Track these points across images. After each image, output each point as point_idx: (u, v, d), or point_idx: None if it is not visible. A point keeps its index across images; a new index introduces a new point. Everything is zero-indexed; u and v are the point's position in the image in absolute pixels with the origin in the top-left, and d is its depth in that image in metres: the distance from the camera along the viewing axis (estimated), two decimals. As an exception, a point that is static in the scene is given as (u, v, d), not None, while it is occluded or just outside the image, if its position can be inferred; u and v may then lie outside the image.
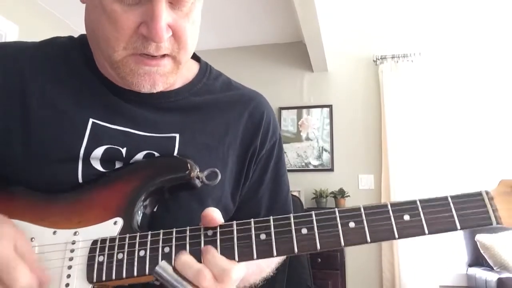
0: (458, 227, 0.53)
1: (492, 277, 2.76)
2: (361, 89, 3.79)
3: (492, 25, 3.57)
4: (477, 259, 3.13)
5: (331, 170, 3.69)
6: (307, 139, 3.80)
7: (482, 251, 3.03)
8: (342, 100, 3.81)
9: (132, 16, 0.58)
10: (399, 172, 3.43)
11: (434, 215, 0.53)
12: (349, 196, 3.51)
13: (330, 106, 3.81)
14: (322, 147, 3.75)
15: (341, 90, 3.83)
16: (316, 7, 2.81)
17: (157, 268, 0.53)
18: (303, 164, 3.75)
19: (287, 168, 3.41)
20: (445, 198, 0.54)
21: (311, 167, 3.74)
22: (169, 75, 0.64)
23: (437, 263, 3.30)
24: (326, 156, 3.73)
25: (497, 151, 3.44)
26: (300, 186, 3.66)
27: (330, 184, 3.59)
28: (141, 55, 0.60)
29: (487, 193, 0.54)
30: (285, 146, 3.78)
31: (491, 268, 2.98)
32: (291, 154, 3.78)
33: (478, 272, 3.02)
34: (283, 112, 3.89)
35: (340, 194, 3.48)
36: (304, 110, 3.86)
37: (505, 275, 2.71)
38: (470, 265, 3.21)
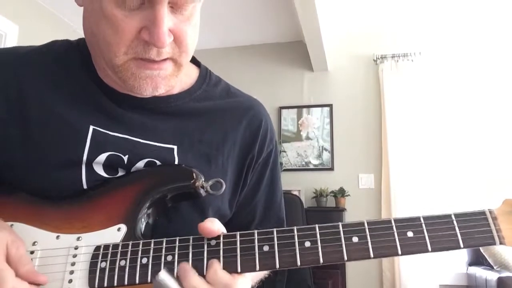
0: (462, 245, 0.53)
1: (492, 276, 2.76)
2: (361, 89, 3.79)
3: (492, 24, 3.56)
4: (477, 258, 3.13)
5: (331, 169, 3.69)
6: (307, 138, 3.80)
7: (482, 250, 3.03)
8: (342, 99, 3.80)
9: (133, 21, 0.57)
10: (399, 171, 3.43)
11: (437, 233, 0.54)
12: (349, 195, 3.51)
13: (330, 106, 3.81)
14: (322, 146, 3.75)
15: (341, 90, 3.83)
16: (316, 7, 2.81)
17: (156, 278, 0.52)
18: (303, 163, 3.75)
19: (288, 168, 3.41)
20: (449, 216, 0.55)
21: (311, 166, 3.74)
22: (170, 78, 0.64)
23: (437, 262, 3.30)
24: (326, 155, 3.73)
25: (498, 148, 3.44)
26: (300, 185, 3.66)
27: (330, 183, 3.59)
28: (142, 59, 0.60)
29: (490, 212, 0.54)
30: (285, 145, 3.78)
31: (491, 267, 2.98)
32: (291, 153, 3.78)
33: (478, 271, 3.02)
34: (283, 111, 3.89)
35: (340, 193, 3.48)
36: (304, 110, 3.86)
37: (505, 274, 2.71)
38: (470, 264, 3.21)
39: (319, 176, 3.68)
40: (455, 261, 3.37)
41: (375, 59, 3.74)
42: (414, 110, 3.52)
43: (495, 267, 2.95)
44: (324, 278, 3.10)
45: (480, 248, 3.04)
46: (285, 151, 3.77)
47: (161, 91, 0.64)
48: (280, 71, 4.00)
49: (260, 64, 4.06)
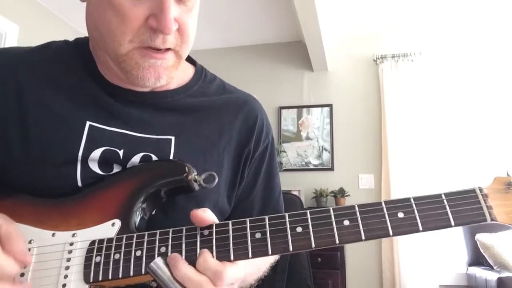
0: (453, 223, 0.54)
1: (492, 276, 2.76)
2: (361, 89, 3.79)
3: (492, 24, 3.57)
4: (477, 259, 3.13)
5: (331, 169, 3.69)
6: (307, 138, 3.80)
7: (482, 251, 3.03)
8: (342, 99, 3.80)
9: (141, 9, 0.60)
10: (399, 171, 3.43)
11: (428, 212, 0.54)
12: (349, 195, 3.51)
13: (330, 106, 3.81)
14: (322, 146, 3.75)
15: (341, 90, 3.83)
16: (316, 7, 2.81)
17: (152, 264, 0.53)
18: (303, 163, 3.75)
19: (287, 168, 3.40)
20: (439, 195, 0.55)
21: (311, 167, 3.74)
22: (171, 69, 0.66)
23: (437, 262, 3.30)
24: (326, 155, 3.73)
25: (498, 149, 3.44)
26: (300, 185, 3.66)
27: (330, 184, 3.59)
28: (146, 48, 0.62)
29: (480, 190, 0.55)
30: (285, 145, 3.78)
31: (491, 268, 2.98)
32: (291, 153, 3.78)
33: (478, 272, 3.02)
34: (283, 111, 3.89)
35: (340, 193, 3.48)
36: (304, 110, 3.86)
37: (505, 274, 2.71)
38: (470, 265, 3.21)
39: (319, 176, 3.68)
40: (455, 261, 3.37)
41: (375, 59, 3.75)
42: (414, 110, 3.52)
43: (495, 267, 2.95)
44: (324, 278, 3.10)
45: (480, 248, 3.04)
46: (285, 151, 3.76)
47: (163, 81, 0.66)
48: (280, 71, 4.00)
49: (260, 64, 4.06)
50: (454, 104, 3.58)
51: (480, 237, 3.04)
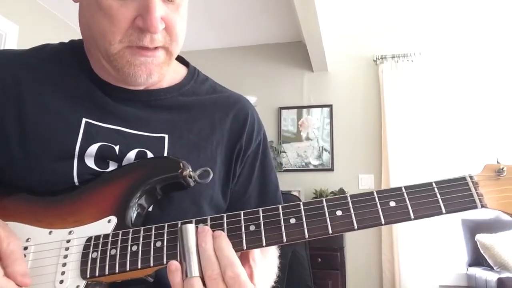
0: (444, 211, 0.54)
1: (492, 277, 2.76)
2: (361, 89, 3.79)
3: (492, 25, 3.57)
4: (477, 259, 3.13)
5: (331, 170, 3.69)
6: (307, 139, 3.80)
7: (482, 251, 3.03)
8: (342, 100, 3.80)
9: (128, 10, 0.61)
10: (399, 171, 3.43)
11: (419, 201, 0.55)
12: (349, 195, 3.50)
13: (330, 106, 3.81)
14: (322, 147, 3.75)
15: (341, 90, 3.83)
16: (316, 7, 2.81)
17: (185, 226, 0.54)
18: (303, 164, 3.75)
19: (287, 168, 3.40)
20: (430, 184, 0.57)
21: (311, 167, 3.74)
22: (163, 66, 0.67)
23: (437, 263, 3.30)
24: (326, 156, 3.73)
25: (498, 149, 3.43)
26: (300, 186, 3.66)
27: (330, 184, 3.59)
28: (136, 47, 0.64)
29: (471, 177, 0.56)
30: (285, 145, 3.78)
31: (491, 268, 2.98)
32: (291, 153, 3.78)
33: (478, 272, 3.02)
34: (283, 111, 3.89)
35: (340, 193, 3.48)
36: (304, 110, 3.86)
37: (505, 275, 2.71)
38: (470, 265, 3.21)
39: (319, 177, 3.68)
40: (455, 262, 3.36)
41: (375, 59, 3.75)
42: (414, 111, 3.52)
43: (495, 268, 2.95)
44: (324, 278, 3.09)
45: (480, 248, 3.04)
46: (285, 152, 3.76)
47: (155, 78, 0.67)
48: (280, 72, 4.00)
49: (260, 64, 4.06)
50: (454, 104, 3.58)
51: (480, 237, 3.04)
